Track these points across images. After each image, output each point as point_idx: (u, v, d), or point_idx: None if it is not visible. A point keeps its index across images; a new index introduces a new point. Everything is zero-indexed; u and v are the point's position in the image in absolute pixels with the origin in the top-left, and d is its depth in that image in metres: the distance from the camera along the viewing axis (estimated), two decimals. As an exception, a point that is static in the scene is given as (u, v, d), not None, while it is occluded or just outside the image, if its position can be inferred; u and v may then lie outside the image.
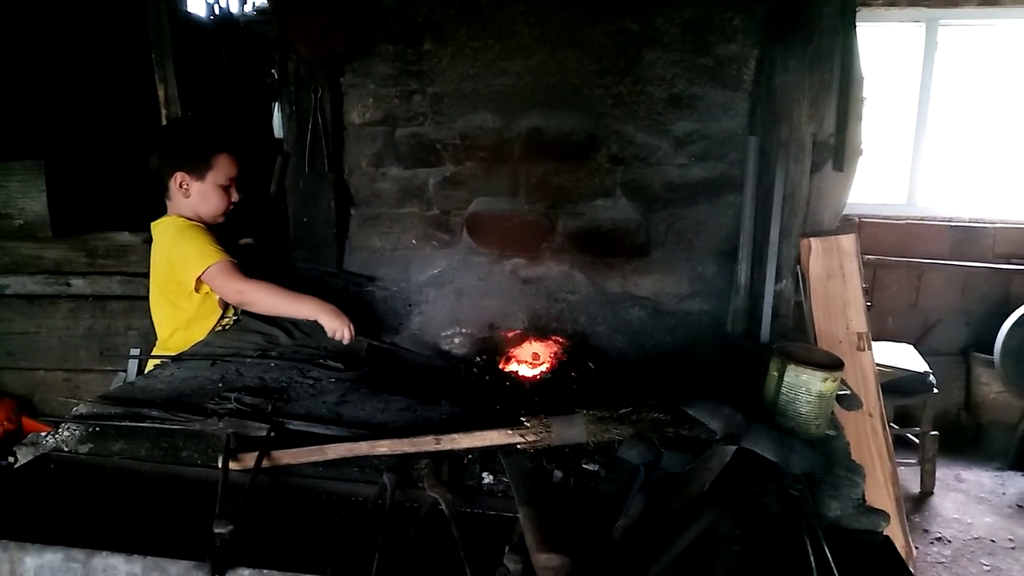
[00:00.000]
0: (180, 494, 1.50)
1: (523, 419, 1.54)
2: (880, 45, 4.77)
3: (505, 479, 1.45)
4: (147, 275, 3.17)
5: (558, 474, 1.45)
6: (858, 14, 3.91)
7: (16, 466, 1.57)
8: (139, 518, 1.39)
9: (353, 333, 2.26)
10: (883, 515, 1.35)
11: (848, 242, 2.45)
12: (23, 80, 4.07)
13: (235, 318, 2.51)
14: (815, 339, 2.55)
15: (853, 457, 2.22)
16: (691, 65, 2.52)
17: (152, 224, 2.47)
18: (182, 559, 1.19)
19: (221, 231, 2.49)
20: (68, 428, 1.64)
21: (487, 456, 1.53)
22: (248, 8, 3.97)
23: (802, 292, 2.63)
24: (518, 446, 1.52)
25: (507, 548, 1.18)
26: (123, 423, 1.64)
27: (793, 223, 2.53)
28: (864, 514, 1.36)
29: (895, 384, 3.79)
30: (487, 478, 1.47)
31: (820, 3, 2.35)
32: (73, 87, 4.17)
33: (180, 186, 2.38)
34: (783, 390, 1.57)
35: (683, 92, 2.55)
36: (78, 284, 3.48)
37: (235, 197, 2.50)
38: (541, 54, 2.55)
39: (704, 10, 2.45)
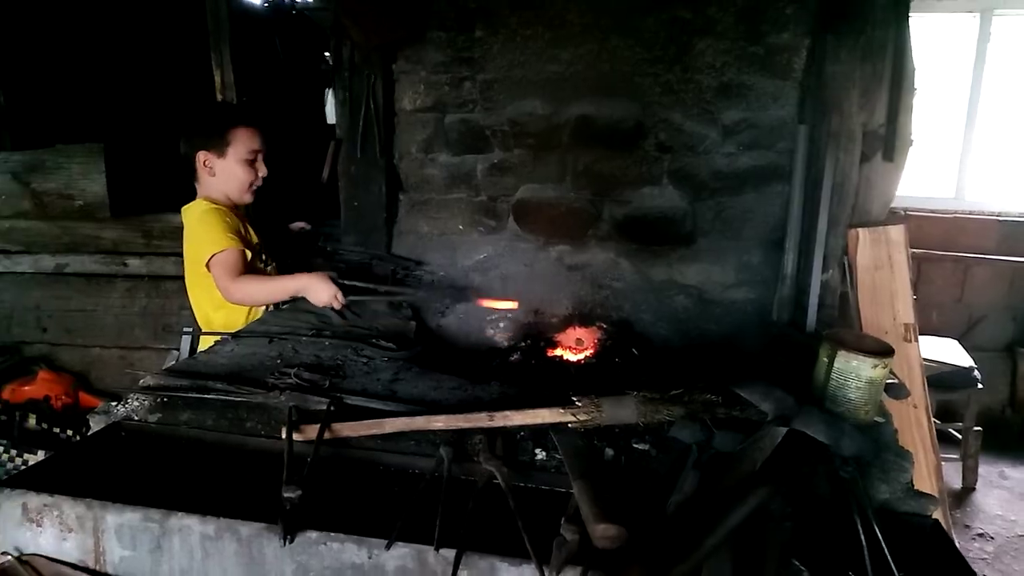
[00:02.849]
0: (244, 462, 1.57)
1: (574, 399, 1.58)
2: (932, 36, 4.69)
3: (557, 455, 1.49)
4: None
5: (609, 452, 1.49)
6: (911, 4, 3.87)
7: (89, 433, 1.65)
8: (207, 484, 1.46)
9: (343, 299, 2.30)
10: (932, 499, 1.37)
11: (897, 233, 2.44)
12: (85, 66, 4.21)
13: None
14: (862, 329, 2.55)
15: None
16: (742, 54, 2.52)
17: (183, 208, 2.53)
18: (254, 521, 1.25)
19: (259, 215, 2.53)
20: (137, 398, 1.72)
21: (539, 434, 1.57)
22: (305, -6, 4.05)
23: (849, 282, 2.62)
24: (569, 425, 1.56)
25: (563, 519, 1.23)
26: (190, 394, 1.71)
27: (841, 213, 2.52)
28: (913, 497, 1.38)
29: (939, 378, 3.75)
30: (540, 454, 1.51)
31: (875, -7, 2.33)
32: (133, 73, 4.30)
33: (204, 165, 2.44)
34: (833, 376, 1.58)
35: (733, 81, 2.55)
36: (134, 264, 3.60)
37: (262, 171, 2.51)
38: (592, 42, 2.57)
39: (756, -1, 2.45)
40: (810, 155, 2.45)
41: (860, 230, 2.49)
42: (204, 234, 2.37)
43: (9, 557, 1.33)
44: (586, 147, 2.66)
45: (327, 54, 2.94)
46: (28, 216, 3.62)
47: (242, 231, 2.48)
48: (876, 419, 1.62)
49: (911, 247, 4.54)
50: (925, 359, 3.82)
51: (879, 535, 1.21)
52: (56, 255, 3.67)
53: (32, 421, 3.38)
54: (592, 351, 2.53)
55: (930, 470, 2.49)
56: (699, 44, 2.52)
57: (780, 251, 2.52)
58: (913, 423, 2.49)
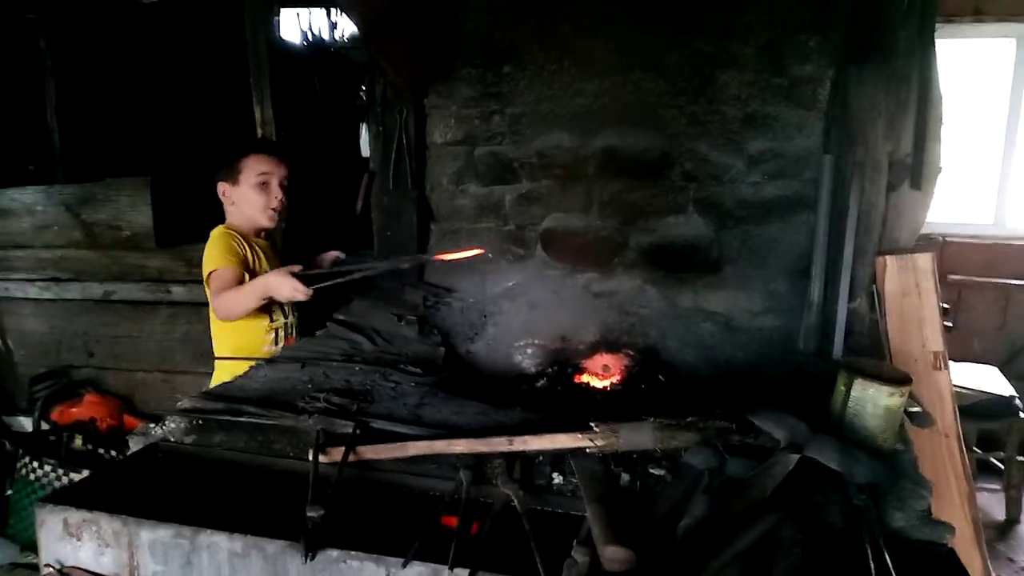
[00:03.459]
0: (272, 483, 1.64)
1: (592, 424, 1.62)
2: (968, 61, 4.66)
3: (574, 480, 1.52)
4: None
5: (625, 477, 1.52)
6: (944, 30, 3.88)
7: (128, 453, 1.74)
8: (236, 503, 1.53)
9: (306, 290, 2.30)
10: (947, 527, 1.37)
11: (924, 260, 2.43)
12: (134, 104, 4.41)
13: (287, 321, 2.67)
14: (890, 357, 2.53)
15: (926, 475, 2.24)
16: (766, 85, 2.56)
17: None
18: (278, 539, 1.31)
19: (289, 243, 2.60)
20: (174, 420, 1.80)
21: (557, 458, 1.60)
22: (339, 35, 4.19)
23: (878, 310, 2.61)
24: (587, 450, 1.59)
25: (575, 542, 1.26)
26: (223, 417, 1.79)
27: (868, 241, 2.52)
28: (928, 525, 1.38)
29: (979, 407, 3.69)
30: (557, 478, 1.54)
31: (896, 25, 2.35)
32: (178, 109, 4.49)
33: (224, 196, 2.58)
34: (850, 404, 1.59)
35: (757, 112, 2.58)
36: (177, 291, 3.73)
37: (277, 194, 2.57)
38: (617, 76, 2.63)
39: (779, 32, 2.49)
40: (835, 184, 2.46)
41: (888, 258, 2.48)
42: (208, 255, 2.49)
43: (51, 569, 1.41)
44: (612, 177, 2.71)
45: (362, 90, 3.03)
46: (79, 246, 3.78)
47: (250, 256, 2.58)
48: (896, 447, 1.63)
49: (950, 274, 4.54)
50: (965, 387, 3.78)
51: (889, 562, 1.22)
52: (104, 283, 3.82)
53: (79, 442, 3.51)
54: (618, 378, 2.56)
55: (962, 499, 2.45)
56: (722, 76, 2.56)
57: (806, 279, 2.52)
58: (945, 452, 2.46)
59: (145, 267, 3.77)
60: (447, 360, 2.44)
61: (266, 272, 2.53)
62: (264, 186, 2.55)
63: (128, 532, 1.38)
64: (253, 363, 2.25)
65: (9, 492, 3.47)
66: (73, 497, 1.45)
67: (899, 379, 1.59)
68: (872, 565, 1.21)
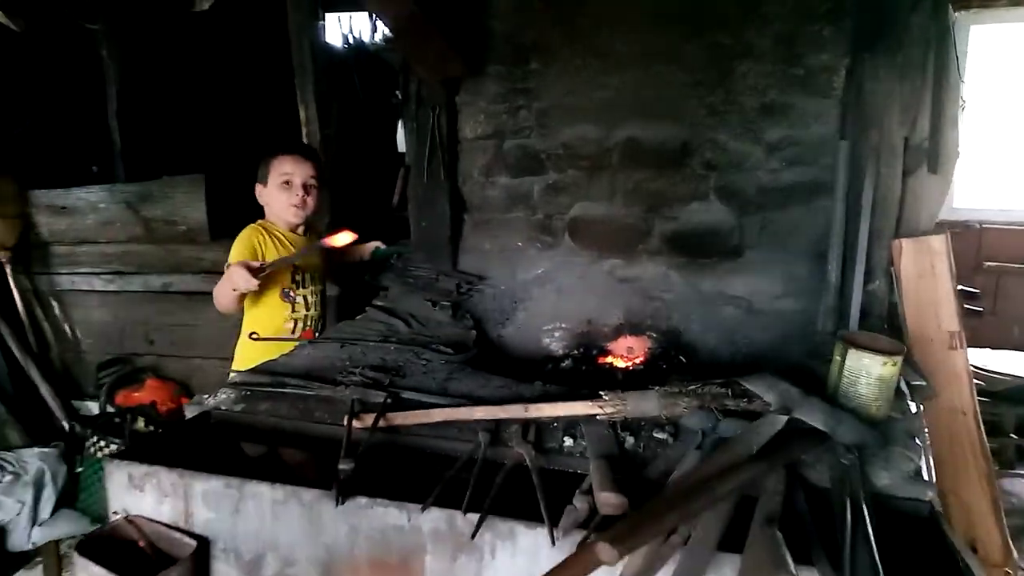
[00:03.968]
0: (312, 446, 1.81)
1: (602, 393, 1.74)
2: (1006, 46, 4.62)
3: (584, 443, 1.65)
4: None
5: (630, 440, 1.64)
6: (982, 15, 3.88)
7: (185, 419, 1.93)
8: (280, 461, 1.70)
9: (254, 282, 2.35)
10: (930, 485, 1.46)
11: (939, 242, 2.48)
12: (188, 106, 4.67)
13: (308, 314, 2.77)
14: (908, 338, 2.59)
15: (945, 453, 2.32)
16: (782, 75, 2.64)
17: None
18: (314, 488, 1.47)
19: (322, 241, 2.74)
20: (225, 392, 1.98)
21: (570, 425, 1.73)
22: (377, 37, 4.38)
23: (896, 292, 2.67)
24: (597, 416, 1.72)
25: (577, 492, 1.39)
26: (268, 389, 1.97)
27: (885, 225, 2.58)
28: (911, 483, 1.47)
29: (1017, 393, 3.70)
30: (568, 441, 1.68)
31: (907, 13, 2.41)
32: (229, 110, 4.74)
33: (259, 195, 2.75)
34: (845, 373, 1.69)
35: (775, 101, 2.67)
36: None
37: (299, 192, 2.67)
38: (638, 69, 2.75)
39: (794, 23, 2.58)
40: (852, 170, 2.54)
41: (903, 240, 2.54)
42: (232, 248, 2.66)
43: (119, 516, 1.59)
44: (635, 167, 2.83)
45: (398, 89, 3.20)
46: (139, 241, 4.04)
47: (275, 251, 2.67)
48: (891, 415, 1.72)
49: (988, 260, 4.52)
50: (1004, 374, 3.79)
51: (866, 513, 1.32)
52: (162, 275, 4.07)
53: (141, 423, 3.78)
54: (641, 359, 2.68)
55: (980, 476, 2.49)
56: (740, 67, 2.66)
57: (825, 262, 2.60)
58: (963, 430, 2.51)
59: (200, 259, 4.01)
60: (479, 343, 2.59)
61: (300, 263, 2.73)
62: (287, 184, 2.67)
63: (184, 484, 1.56)
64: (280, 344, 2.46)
65: (79, 470, 3.74)
66: (137, 454, 1.64)
67: (892, 350, 1.68)
68: (848, 515, 1.31)
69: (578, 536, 1.29)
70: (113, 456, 1.65)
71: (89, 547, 1.51)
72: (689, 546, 1.21)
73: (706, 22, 2.65)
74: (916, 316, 2.56)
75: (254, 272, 2.35)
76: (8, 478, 3.43)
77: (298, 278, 2.75)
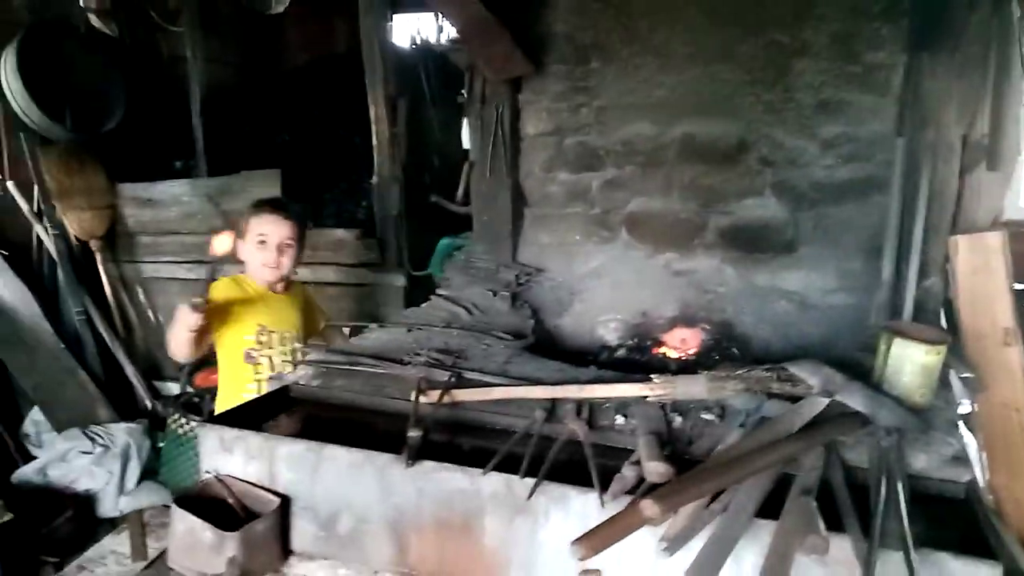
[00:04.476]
0: (382, 418, 1.96)
1: (653, 376, 1.85)
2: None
3: (635, 422, 1.76)
4: (356, 266, 3.81)
5: (678, 420, 1.74)
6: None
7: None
8: (354, 431, 1.85)
9: (197, 316, 2.27)
10: (968, 467, 1.52)
11: (994, 239, 2.49)
12: (264, 105, 4.93)
13: (260, 379, 2.53)
14: (963, 334, 2.61)
15: (996, 448, 2.34)
16: (839, 73, 2.69)
17: None
18: (386, 452, 1.62)
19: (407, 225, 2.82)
20: (303, 368, 2.16)
21: (622, 405, 1.84)
22: (444, 38, 4.54)
23: (951, 288, 2.69)
24: (648, 398, 1.83)
25: (626, 462, 1.50)
26: (343, 367, 2.13)
27: (941, 221, 2.61)
28: (948, 465, 1.54)
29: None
30: (619, 420, 1.78)
31: (965, 11, 2.43)
32: (300, 108, 4.98)
33: (239, 250, 2.64)
34: (890, 361, 1.76)
35: (831, 98, 2.72)
36: (302, 272, 4.15)
37: (273, 253, 2.60)
38: (694, 68, 2.83)
39: (851, 22, 2.62)
40: (908, 166, 2.57)
41: (959, 237, 2.56)
42: None
43: (210, 475, 1.77)
44: (691, 162, 2.91)
45: (463, 88, 3.35)
46: (218, 232, 4.29)
47: (247, 306, 2.61)
48: (934, 403, 1.77)
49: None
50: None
51: (900, 490, 1.39)
52: (238, 265, 4.31)
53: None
54: (695, 350, 2.76)
55: (1031, 472, 2.51)
56: (797, 65, 2.71)
57: (879, 258, 2.64)
58: (1015, 426, 2.52)
59: (273, 250, 4.24)
60: (536, 332, 2.71)
61: (270, 323, 2.63)
62: (263, 243, 2.61)
63: (269, 447, 1.72)
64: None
65: (161, 445, 4.01)
66: (227, 420, 1.82)
67: (935, 340, 1.74)
68: (883, 492, 1.38)
69: (626, 501, 1.40)
70: (206, 421, 1.83)
71: (185, 501, 1.69)
72: (728, 512, 1.31)
73: (763, 21, 2.71)
74: (971, 312, 2.57)
75: (195, 306, 2.26)
76: (99, 450, 3.71)
77: (263, 339, 2.63)
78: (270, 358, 2.63)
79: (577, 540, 1.18)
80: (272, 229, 2.62)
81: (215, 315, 2.48)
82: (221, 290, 2.60)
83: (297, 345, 2.70)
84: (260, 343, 2.62)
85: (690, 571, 1.20)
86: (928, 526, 1.31)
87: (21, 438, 4.00)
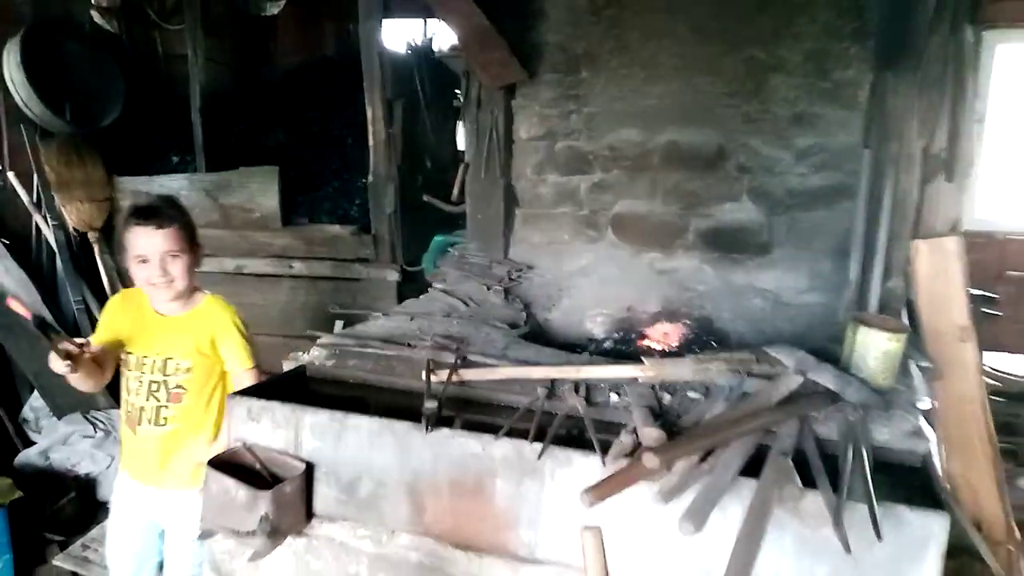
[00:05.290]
0: (394, 395, 2.13)
1: (643, 359, 2.04)
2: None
3: (627, 399, 1.94)
4: (351, 261, 3.95)
5: (668, 397, 1.93)
6: (1007, 33, 4.09)
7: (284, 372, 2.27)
8: (367, 405, 2.02)
9: (60, 364, 1.94)
10: (924, 439, 1.73)
11: (953, 244, 2.71)
12: (262, 105, 5.06)
13: (139, 405, 2.29)
14: (922, 330, 2.83)
15: (955, 436, 2.55)
16: (812, 88, 2.91)
17: None
18: (405, 421, 1.79)
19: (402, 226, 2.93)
20: (318, 350, 2.31)
21: (615, 385, 2.02)
22: (440, 45, 4.73)
23: (912, 289, 2.92)
24: (639, 379, 2.01)
25: (622, 430, 1.69)
26: (356, 348, 2.29)
27: (903, 227, 2.83)
28: (908, 438, 1.74)
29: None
30: (613, 397, 1.97)
31: (926, 34, 2.66)
32: (293, 109, 5.12)
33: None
34: (856, 347, 1.96)
35: (805, 111, 2.94)
36: (298, 266, 4.31)
37: (155, 270, 2.20)
38: (679, 80, 3.04)
39: (823, 41, 2.84)
40: (874, 176, 2.79)
41: (920, 241, 2.78)
42: None
43: (239, 443, 1.92)
44: (674, 168, 3.12)
45: (458, 93, 3.54)
46: (216, 226, 4.41)
47: (128, 322, 2.33)
48: (895, 386, 1.98)
49: (1010, 270, 4.71)
50: (1022, 376, 3.99)
51: (865, 456, 1.59)
52: (236, 258, 4.44)
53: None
54: (676, 343, 2.96)
55: (986, 460, 2.72)
56: (773, 80, 2.93)
57: (847, 261, 2.86)
58: (970, 417, 2.74)
59: (271, 245, 4.38)
60: (528, 325, 2.89)
61: (145, 350, 2.30)
62: (144, 263, 2.22)
63: (295, 416, 1.89)
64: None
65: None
66: (253, 392, 1.98)
67: (897, 328, 1.94)
68: (850, 455, 1.58)
69: (625, 463, 1.58)
70: (234, 394, 1.98)
71: (216, 466, 1.84)
72: (716, 469, 1.50)
73: (744, 39, 2.93)
74: (930, 311, 2.80)
75: (65, 355, 1.94)
76: (100, 434, 3.82)
77: (131, 356, 2.31)
78: (131, 382, 2.31)
79: (587, 489, 1.36)
80: (147, 243, 2.20)
81: (107, 345, 2.27)
82: (107, 309, 2.42)
83: (173, 378, 2.29)
84: (130, 368, 2.31)
85: (684, 516, 1.38)
86: (889, 487, 1.51)
87: (20, 423, 4.09)
